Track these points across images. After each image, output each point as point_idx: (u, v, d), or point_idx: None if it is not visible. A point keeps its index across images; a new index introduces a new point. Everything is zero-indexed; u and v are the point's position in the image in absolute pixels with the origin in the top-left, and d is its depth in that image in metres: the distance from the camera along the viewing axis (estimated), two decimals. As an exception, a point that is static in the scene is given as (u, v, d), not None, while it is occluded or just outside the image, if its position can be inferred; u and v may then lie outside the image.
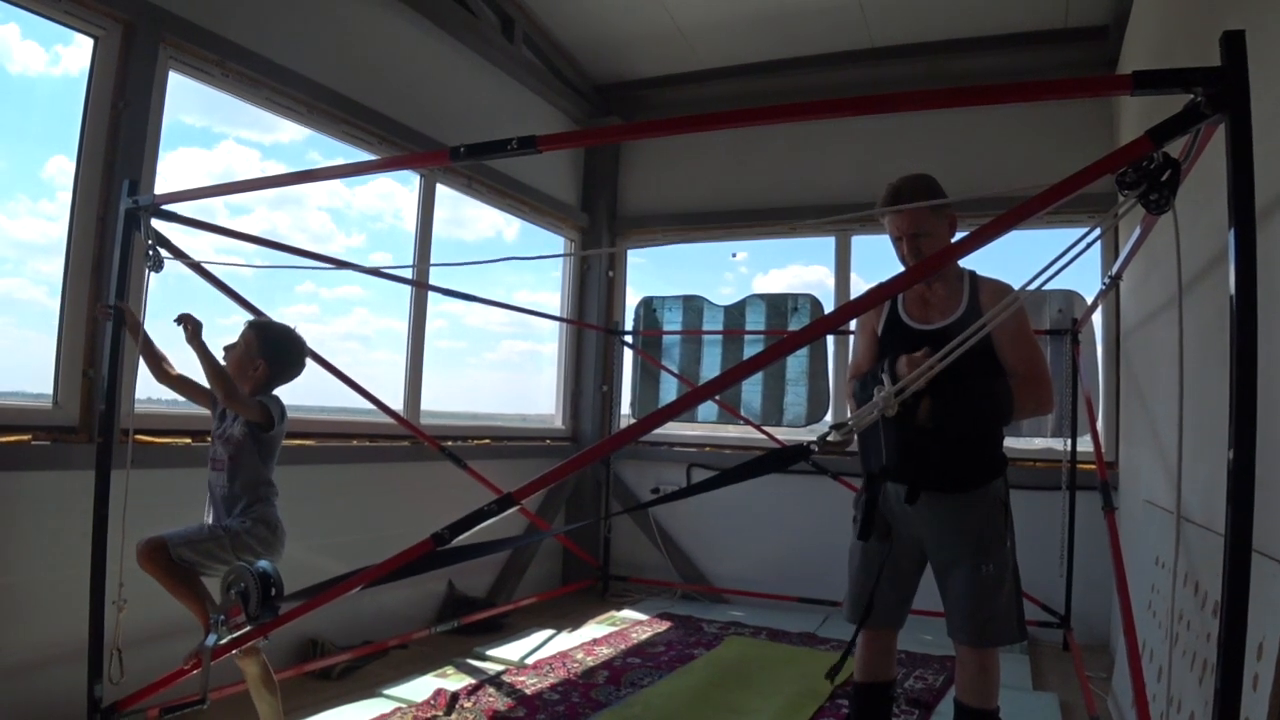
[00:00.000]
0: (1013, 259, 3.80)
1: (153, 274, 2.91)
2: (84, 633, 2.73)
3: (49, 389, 3.17)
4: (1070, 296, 5.10)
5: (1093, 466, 4.33)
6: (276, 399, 2.88)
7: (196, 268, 3.12)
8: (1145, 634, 3.06)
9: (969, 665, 2.53)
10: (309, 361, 3.43)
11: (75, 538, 2.85)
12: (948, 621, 2.55)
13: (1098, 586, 4.66)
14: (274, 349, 2.92)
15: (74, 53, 3.40)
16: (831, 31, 5.43)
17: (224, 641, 2.48)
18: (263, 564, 2.53)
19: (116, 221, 2.94)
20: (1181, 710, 2.36)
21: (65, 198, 3.25)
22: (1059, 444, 4.99)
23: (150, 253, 2.87)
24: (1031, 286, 1.83)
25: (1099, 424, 4.67)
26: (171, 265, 2.98)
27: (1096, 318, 4.94)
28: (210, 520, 2.84)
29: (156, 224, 2.89)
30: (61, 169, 3.36)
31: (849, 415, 2.04)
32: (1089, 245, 1.80)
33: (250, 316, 3.22)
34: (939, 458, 2.49)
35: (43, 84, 3.45)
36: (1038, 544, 4.63)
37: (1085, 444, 4.73)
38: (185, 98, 3.65)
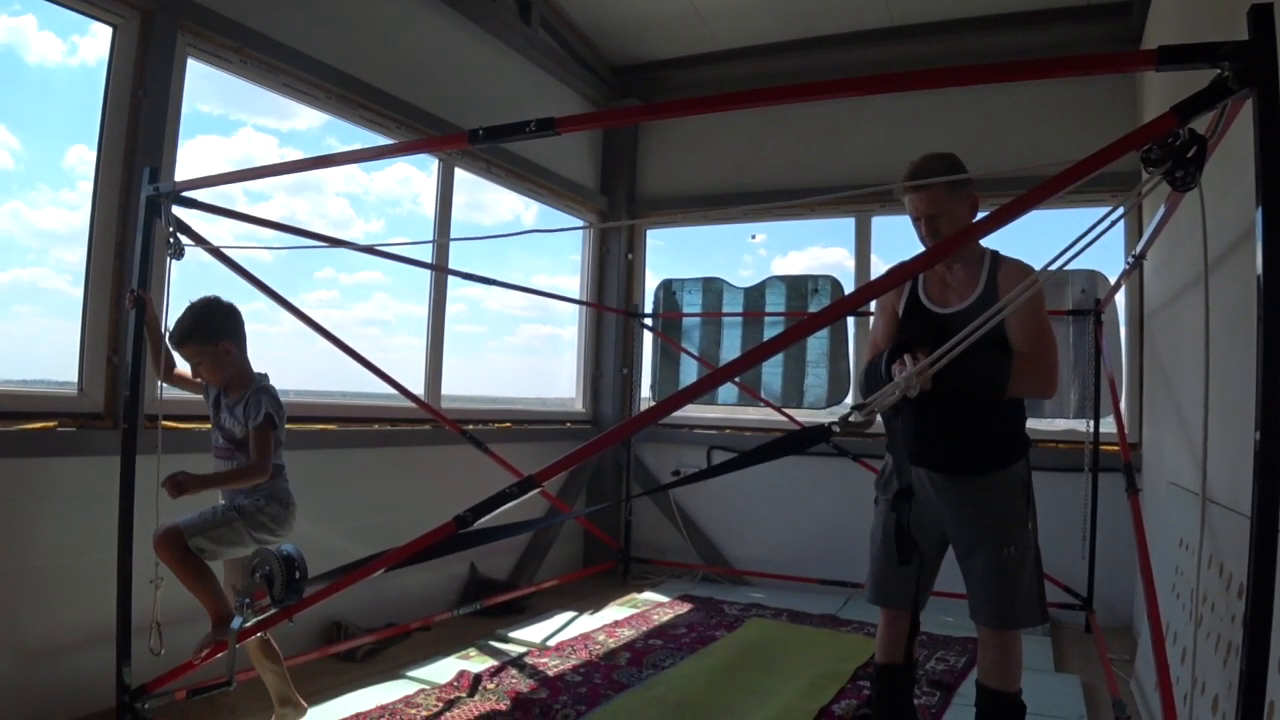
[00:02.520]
0: (1035, 239, 3.77)
1: (174, 261, 2.93)
2: (112, 616, 2.78)
3: (74, 376, 3.20)
4: (1093, 277, 5.04)
5: (1116, 448, 4.30)
6: (274, 398, 2.85)
7: (217, 253, 3.13)
8: (1169, 616, 3.04)
9: (991, 647, 2.52)
10: (331, 348, 3.46)
11: (102, 523, 2.89)
12: (969, 604, 2.54)
13: (1120, 569, 4.64)
14: (218, 327, 2.86)
15: (90, 43, 3.42)
16: (850, 10, 5.38)
17: (249, 624, 2.51)
18: (287, 547, 2.56)
19: (138, 209, 2.96)
20: (1206, 693, 2.34)
21: (86, 187, 3.27)
22: (1082, 425, 4.96)
23: (171, 240, 2.89)
24: (1054, 266, 1.81)
25: (1122, 405, 4.64)
26: (193, 252, 2.99)
27: (1120, 298, 4.89)
28: (222, 500, 2.87)
29: (177, 211, 2.91)
30: (81, 158, 3.39)
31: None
32: (1112, 224, 1.78)
33: (272, 302, 3.24)
34: (961, 440, 2.48)
35: (60, 74, 3.47)
36: (1060, 526, 4.61)
37: (1108, 425, 4.69)
38: (202, 85, 3.66)
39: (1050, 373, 2.43)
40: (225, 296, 2.94)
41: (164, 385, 2.99)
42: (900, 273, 2.27)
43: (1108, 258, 5.02)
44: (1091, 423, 4.81)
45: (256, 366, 2.96)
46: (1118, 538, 4.52)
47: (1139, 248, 3.40)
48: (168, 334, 2.89)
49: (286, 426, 2.93)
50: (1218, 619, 2.38)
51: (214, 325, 2.85)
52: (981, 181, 2.50)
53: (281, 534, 2.86)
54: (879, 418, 1.98)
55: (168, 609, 2.79)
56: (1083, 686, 3.72)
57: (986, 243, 2.54)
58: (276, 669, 2.90)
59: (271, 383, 2.95)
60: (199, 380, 2.96)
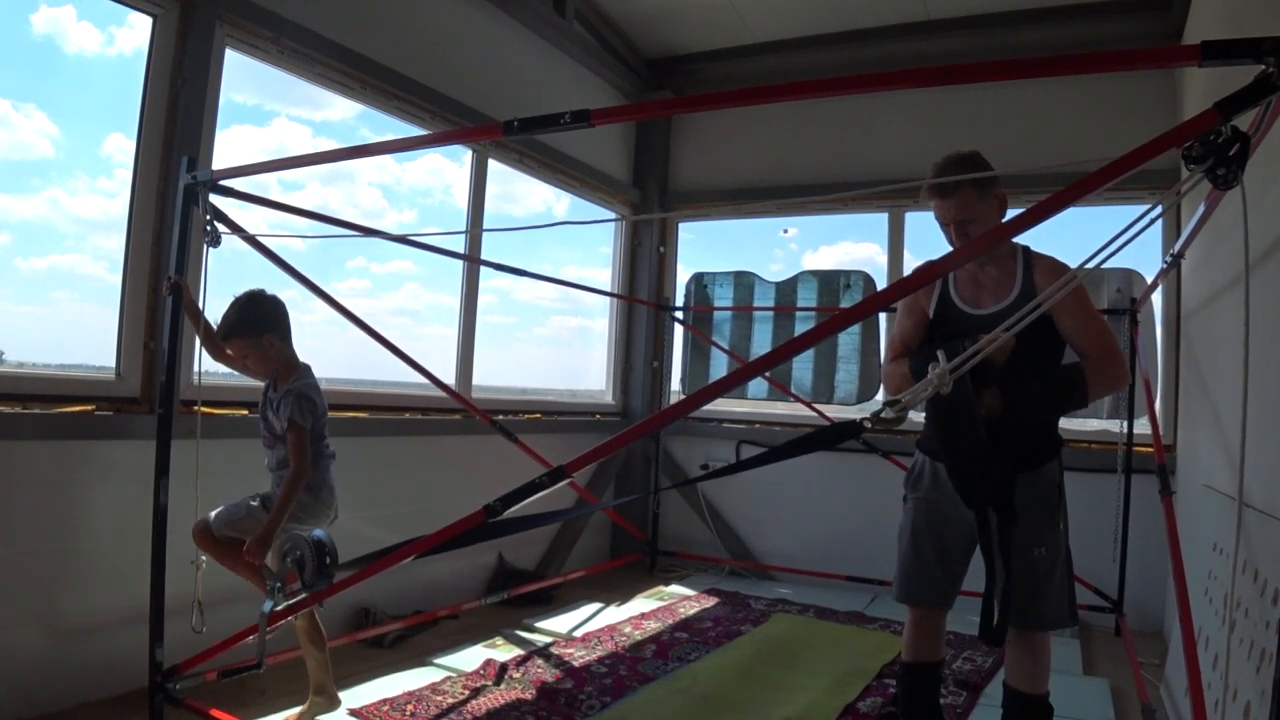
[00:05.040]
0: (1070, 237, 3.72)
1: (211, 248, 2.96)
2: (145, 598, 2.82)
3: (111, 361, 3.26)
4: (1129, 275, 4.97)
5: (1150, 450, 4.25)
6: (305, 399, 2.87)
7: (253, 242, 3.16)
8: (1201, 621, 3.01)
9: (1019, 648, 2.50)
10: (363, 336, 3.49)
11: (137, 506, 2.94)
12: (999, 604, 2.52)
13: (1151, 572, 4.58)
14: (261, 320, 2.92)
15: (127, 33, 3.47)
16: (886, 3, 5.34)
17: (280, 608, 2.54)
18: (318, 533, 2.59)
19: (175, 197, 2.99)
20: (1238, 699, 2.31)
21: (123, 174, 3.32)
22: (1115, 426, 4.90)
23: (209, 228, 2.93)
24: (1091, 264, 1.79)
25: (1157, 406, 4.57)
26: (229, 240, 3.03)
27: (1156, 297, 4.83)
28: (270, 488, 2.93)
29: (214, 199, 2.94)
30: (119, 147, 3.44)
31: (891, 395, 2.01)
32: (1151, 222, 1.75)
33: (305, 290, 3.27)
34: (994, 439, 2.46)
35: (99, 64, 3.53)
36: (1091, 527, 4.56)
37: (1142, 426, 4.63)
38: (236, 76, 3.69)
39: (1122, 370, 2.40)
40: (261, 285, 2.98)
41: (201, 372, 3.03)
42: (930, 270, 2.24)
43: (1144, 256, 4.96)
44: (1125, 423, 4.75)
45: (292, 356, 3.01)
46: (1149, 540, 4.46)
47: (1177, 246, 3.35)
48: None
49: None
50: (1251, 625, 2.35)
51: (257, 318, 2.91)
52: (1018, 178, 2.47)
53: (310, 522, 2.88)
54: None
55: (204, 591, 2.85)
56: (1111, 690, 3.68)
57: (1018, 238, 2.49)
58: (320, 656, 2.94)
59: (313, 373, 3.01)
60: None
